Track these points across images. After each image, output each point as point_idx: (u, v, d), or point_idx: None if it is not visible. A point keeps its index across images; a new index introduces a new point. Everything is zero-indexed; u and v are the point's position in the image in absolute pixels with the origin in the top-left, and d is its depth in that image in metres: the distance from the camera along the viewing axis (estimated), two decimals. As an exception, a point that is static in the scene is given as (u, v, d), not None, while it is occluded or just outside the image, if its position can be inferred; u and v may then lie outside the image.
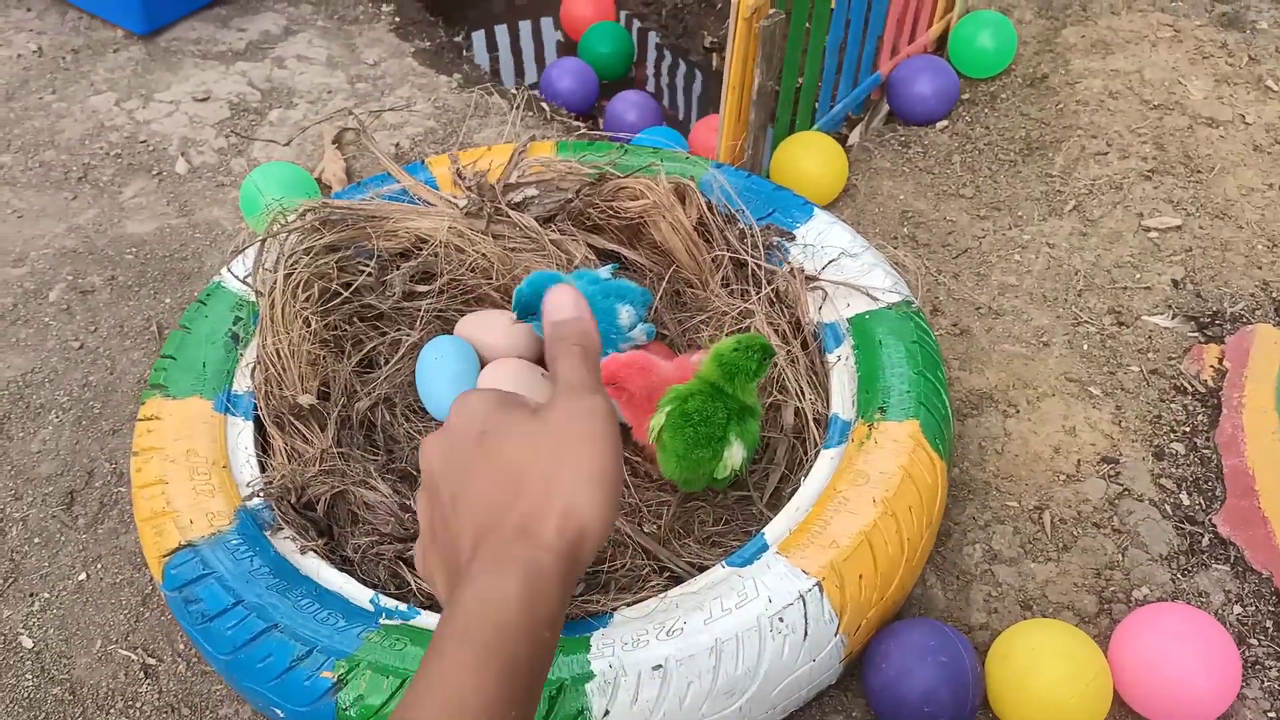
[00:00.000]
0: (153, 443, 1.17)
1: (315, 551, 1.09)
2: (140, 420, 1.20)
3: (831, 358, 1.30)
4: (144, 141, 1.88)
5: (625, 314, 1.31)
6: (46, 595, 1.24)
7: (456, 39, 2.37)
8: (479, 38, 2.54)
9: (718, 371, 1.14)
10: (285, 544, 1.10)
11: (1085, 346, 1.49)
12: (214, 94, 2.00)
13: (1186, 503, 1.26)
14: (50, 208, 1.74)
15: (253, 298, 1.34)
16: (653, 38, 2.57)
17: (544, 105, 2.04)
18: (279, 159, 1.84)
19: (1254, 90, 2.00)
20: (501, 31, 2.57)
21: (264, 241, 1.37)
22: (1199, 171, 1.83)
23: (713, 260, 1.42)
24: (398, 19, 2.30)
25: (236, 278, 1.35)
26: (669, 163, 1.53)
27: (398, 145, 1.90)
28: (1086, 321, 1.53)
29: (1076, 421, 1.36)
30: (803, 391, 1.28)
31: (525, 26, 2.58)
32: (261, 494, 1.09)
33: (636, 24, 2.58)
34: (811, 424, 1.26)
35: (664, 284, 1.43)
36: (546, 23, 2.59)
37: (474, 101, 2.03)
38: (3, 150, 1.85)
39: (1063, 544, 1.21)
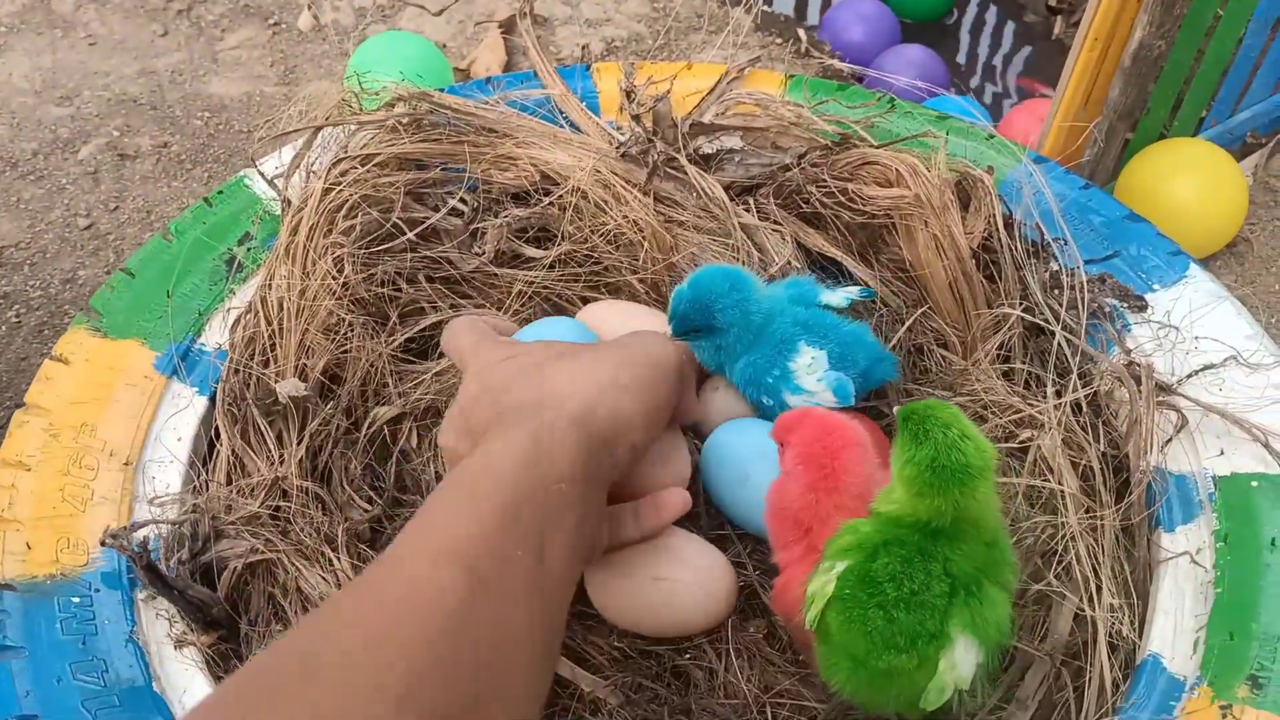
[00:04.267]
0: (43, 399, 0.82)
1: (197, 650, 0.70)
2: (50, 359, 0.86)
3: (1169, 541, 0.78)
4: (274, -18, 1.57)
5: (807, 359, 0.84)
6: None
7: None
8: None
9: (920, 481, 0.64)
10: (156, 624, 0.72)
11: None
12: (381, -61, 1.66)
13: None
14: (131, 41, 1.45)
15: (277, 210, 0.96)
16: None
17: (800, 32, 1.56)
18: (427, 36, 1.47)
19: None
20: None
21: (317, 131, 0.99)
22: None
23: (991, 313, 0.92)
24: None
25: (263, 177, 0.98)
26: (956, 139, 1.03)
27: (585, 48, 1.49)
28: None
29: None
30: (1099, 587, 0.77)
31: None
32: (113, 538, 0.71)
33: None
34: (1103, 649, 0.75)
35: (902, 330, 0.94)
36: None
37: (706, 10, 1.58)
38: (110, -39, 1.59)
39: None
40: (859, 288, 0.96)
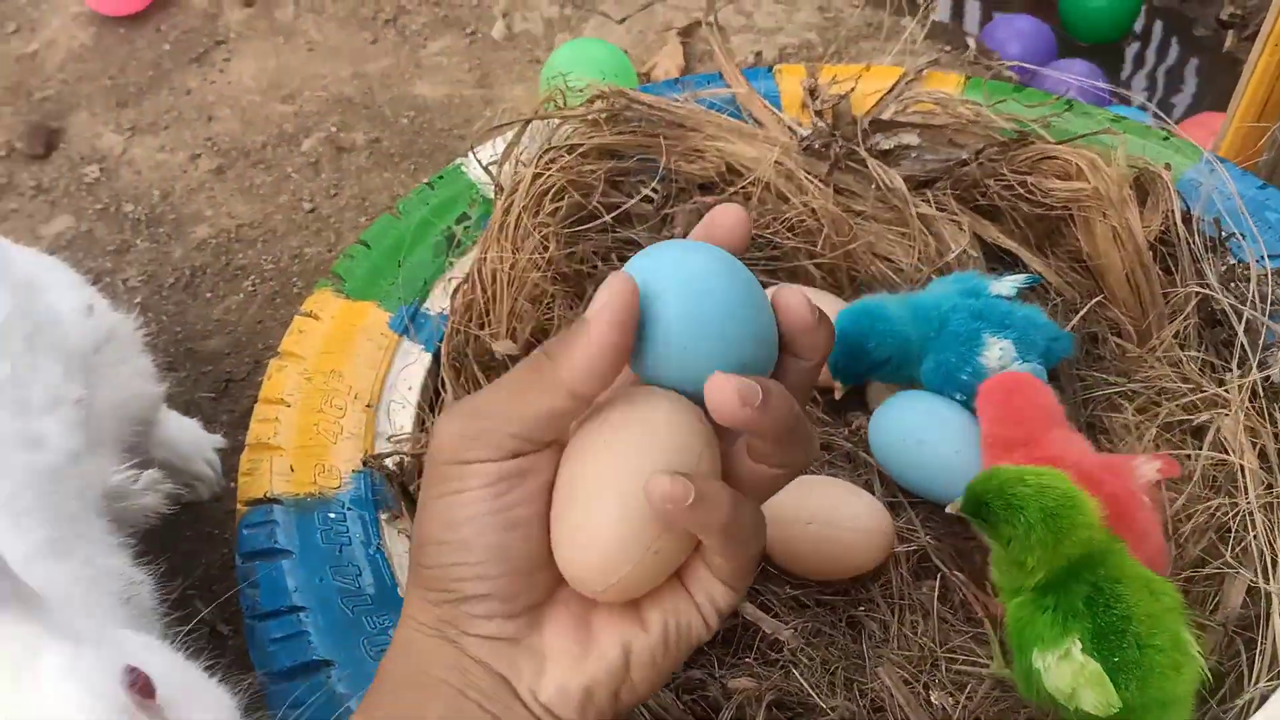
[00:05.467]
0: (297, 348, 0.94)
1: (432, 566, 0.80)
2: (300, 314, 0.98)
3: (1347, 521, 0.80)
4: (471, -6, 1.70)
5: (996, 351, 0.89)
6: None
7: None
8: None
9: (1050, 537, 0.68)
10: (397, 540, 0.82)
11: None
12: (567, -46, 1.78)
13: None
14: (345, 47, 1.60)
15: (490, 194, 1.07)
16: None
17: (970, 41, 1.60)
18: (609, 41, 1.57)
19: None
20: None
21: (526, 124, 1.09)
22: None
23: (1168, 302, 0.95)
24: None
25: (479, 164, 1.09)
26: (1134, 138, 1.06)
27: (759, 54, 1.57)
28: None
29: None
30: (1273, 560, 0.80)
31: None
32: (373, 459, 0.81)
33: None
34: (1276, 619, 0.78)
35: (1076, 318, 0.98)
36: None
37: (881, 21, 1.64)
38: (324, -25, 1.75)
39: None
40: (1024, 275, 1.00)
